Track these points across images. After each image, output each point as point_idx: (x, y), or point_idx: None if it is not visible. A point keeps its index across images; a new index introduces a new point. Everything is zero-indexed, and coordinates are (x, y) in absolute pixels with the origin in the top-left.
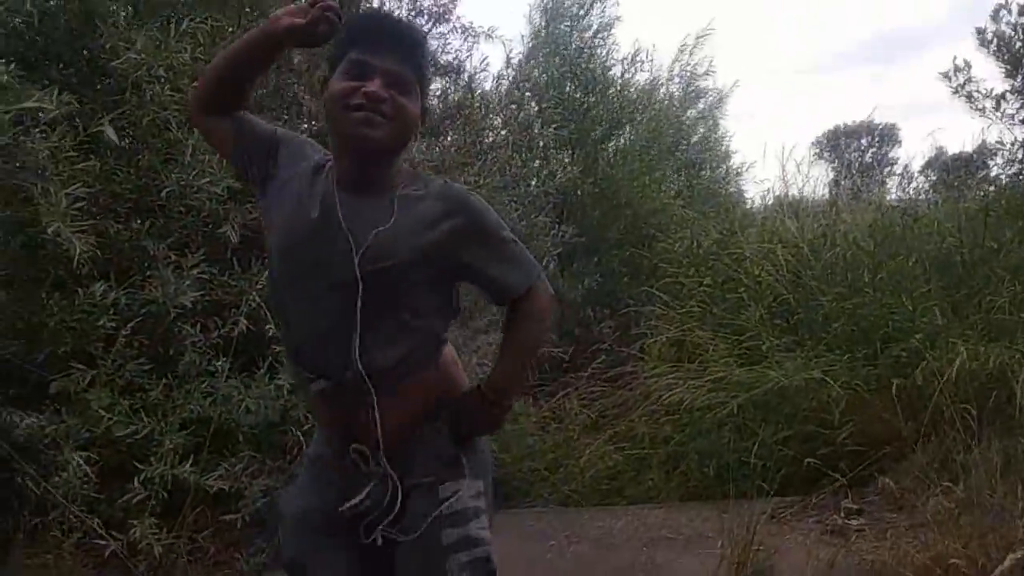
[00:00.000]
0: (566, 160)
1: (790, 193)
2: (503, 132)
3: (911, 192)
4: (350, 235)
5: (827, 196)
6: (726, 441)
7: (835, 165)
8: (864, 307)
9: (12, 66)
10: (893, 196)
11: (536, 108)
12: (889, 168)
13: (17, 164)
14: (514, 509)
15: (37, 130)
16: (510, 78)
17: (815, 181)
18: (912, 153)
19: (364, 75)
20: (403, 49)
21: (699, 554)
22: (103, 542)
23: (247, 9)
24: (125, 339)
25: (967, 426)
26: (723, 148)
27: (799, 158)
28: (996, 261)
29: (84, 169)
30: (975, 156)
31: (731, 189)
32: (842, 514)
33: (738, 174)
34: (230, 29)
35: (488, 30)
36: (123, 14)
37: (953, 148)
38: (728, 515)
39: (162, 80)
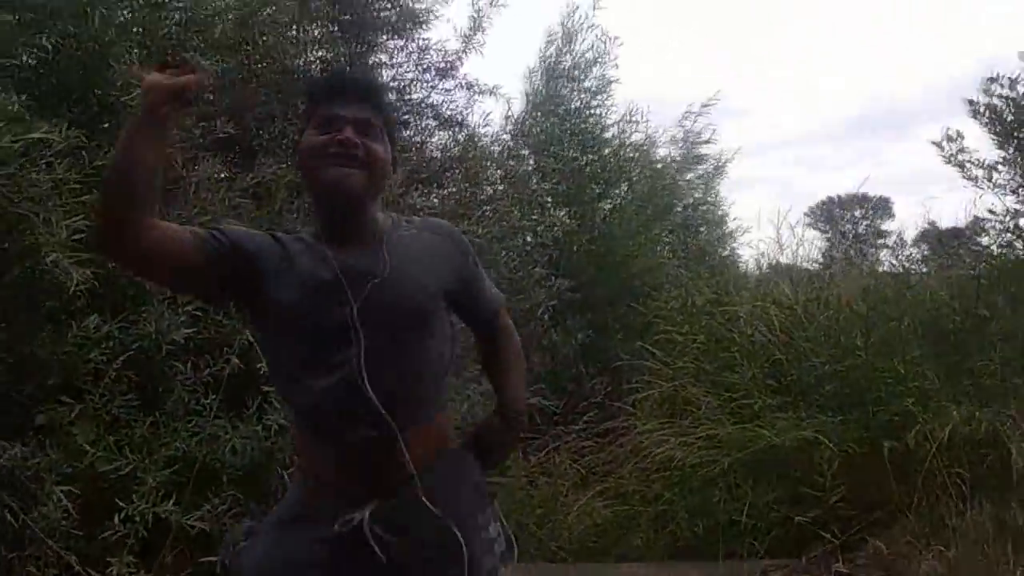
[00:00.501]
0: (563, 215)
1: (784, 259)
2: (501, 186)
3: (904, 262)
4: (352, 288)
5: (821, 263)
6: (717, 500)
7: (829, 235)
8: (856, 369)
9: (23, 98)
10: (886, 266)
11: (534, 164)
12: (883, 240)
13: (21, 194)
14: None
15: (43, 161)
16: (509, 133)
17: (809, 247)
18: (905, 224)
19: (334, 126)
20: (369, 99)
21: None
22: None
23: (254, 55)
24: (115, 373)
25: (959, 490)
26: (719, 212)
27: (793, 224)
28: (988, 327)
29: (86, 202)
30: (967, 229)
31: (725, 252)
32: None
33: (732, 237)
34: (240, 76)
35: (492, 88)
36: (135, 52)
37: (946, 222)
38: (718, 575)
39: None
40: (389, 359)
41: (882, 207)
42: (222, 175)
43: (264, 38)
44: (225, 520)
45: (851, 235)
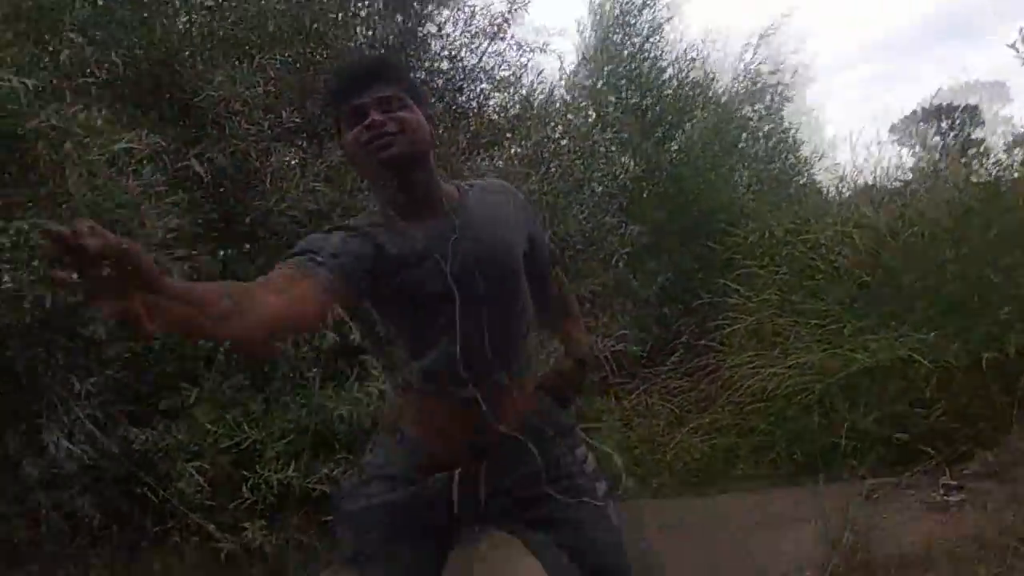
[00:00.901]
0: (628, 161)
1: (866, 179)
2: (564, 141)
3: (992, 168)
4: (443, 255)
5: (905, 180)
6: (815, 426)
7: (915, 151)
8: (948, 284)
9: (104, 112)
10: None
11: (594, 114)
12: (974, 150)
13: (114, 201)
14: None
15: (130, 168)
16: (565, 88)
17: (891, 165)
18: (996, 131)
19: (362, 114)
20: (381, 76)
21: (794, 536)
22: (220, 544)
23: (308, 44)
24: (223, 357)
25: None
26: (792, 139)
27: (876, 142)
28: None
29: (174, 202)
30: None
31: (802, 180)
32: (940, 490)
33: (809, 163)
34: (297, 64)
35: (542, 45)
36: (200, 56)
37: None
38: (822, 497)
39: (239, 114)
40: (492, 318)
41: (970, 115)
42: (294, 162)
43: (315, 25)
44: (341, 481)
45: (939, 148)
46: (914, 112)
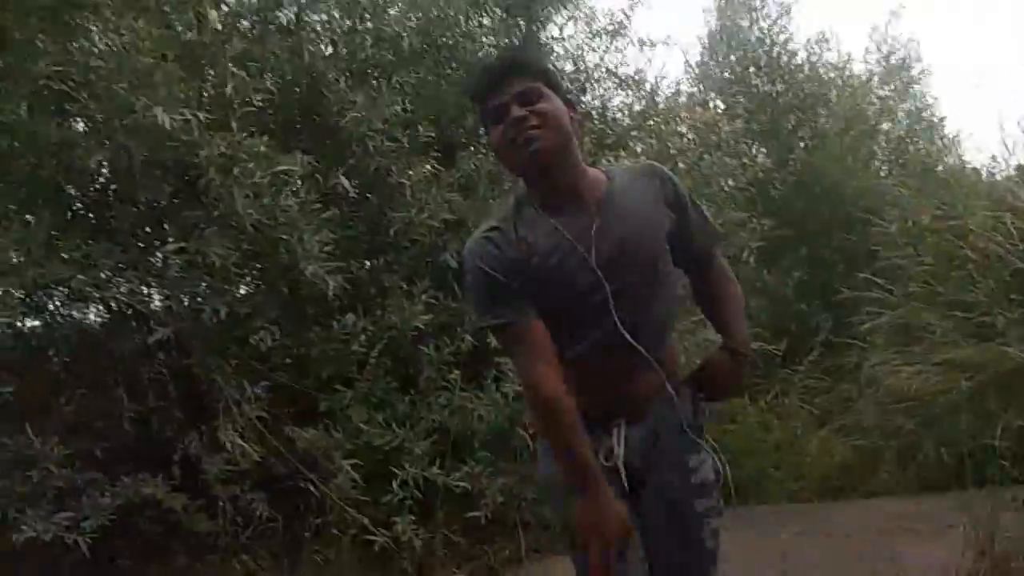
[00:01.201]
0: (755, 153)
1: (1020, 159)
2: (689, 136)
3: None
4: (588, 245)
5: None
6: (964, 427)
7: None
8: None
9: (265, 138)
10: None
11: (722, 106)
12: None
13: (276, 220)
14: (743, 506)
15: (288, 188)
16: (689, 82)
17: None
18: None
19: (503, 111)
20: (517, 70)
21: (941, 543)
22: (374, 538)
23: (439, 58)
24: (374, 361)
25: None
26: (934, 116)
27: None
28: None
29: (327, 218)
30: None
31: (950, 161)
32: None
33: (956, 144)
34: (429, 79)
35: (666, 39)
36: (343, 79)
37: None
38: (972, 502)
39: (380, 132)
40: (638, 307)
41: None
42: (429, 175)
43: (444, 38)
44: (482, 479)
45: None
46: None
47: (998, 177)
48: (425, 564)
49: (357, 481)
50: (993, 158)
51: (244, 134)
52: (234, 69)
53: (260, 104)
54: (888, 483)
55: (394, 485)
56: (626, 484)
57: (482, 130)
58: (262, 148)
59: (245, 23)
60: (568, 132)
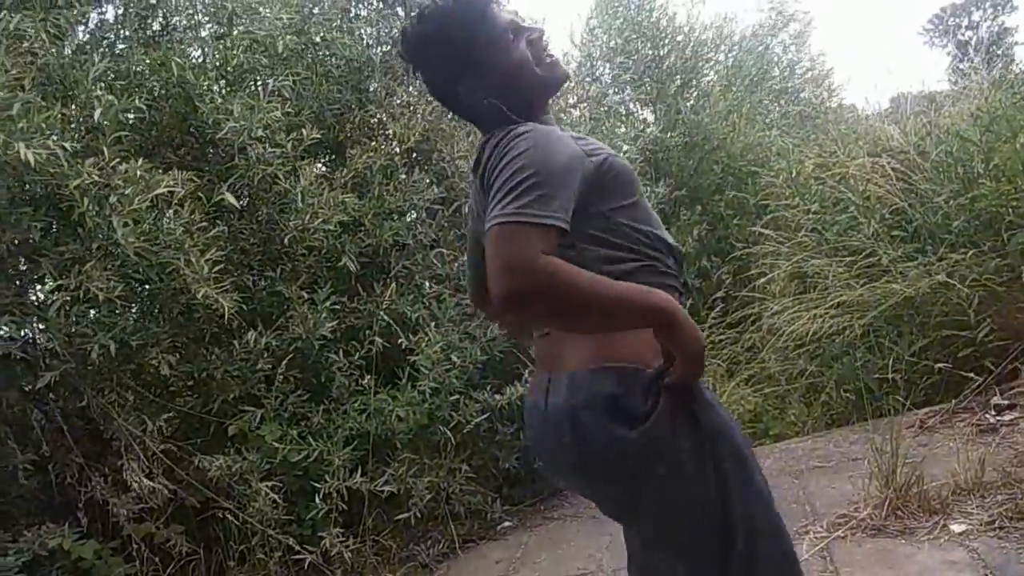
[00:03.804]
0: (649, 118)
1: (899, 90)
2: (576, 110)
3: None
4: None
5: (947, 85)
6: (862, 363)
7: (949, 50)
8: (981, 199)
9: (140, 161)
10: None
11: (610, 76)
12: (1012, 39)
13: (160, 244)
14: None
15: (170, 210)
16: (577, 55)
17: (927, 71)
18: None
19: (519, 29)
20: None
21: (850, 476)
22: (301, 556)
23: (318, 56)
24: (282, 376)
25: None
26: (821, 65)
27: (905, 49)
28: None
29: (215, 236)
30: None
31: (833, 105)
32: (992, 411)
33: (841, 88)
34: (311, 78)
35: (541, 19)
36: (217, 88)
37: None
38: (875, 434)
39: (262, 140)
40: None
41: (1000, 2)
42: (320, 177)
43: (321, 35)
44: (408, 479)
45: (972, 43)
46: (943, 10)
47: (871, 121)
48: (357, 573)
49: (278, 501)
50: (866, 99)
51: (117, 159)
52: (98, 92)
53: (132, 124)
54: (796, 425)
55: (317, 500)
56: None
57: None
58: (138, 172)
59: (109, 38)
60: None
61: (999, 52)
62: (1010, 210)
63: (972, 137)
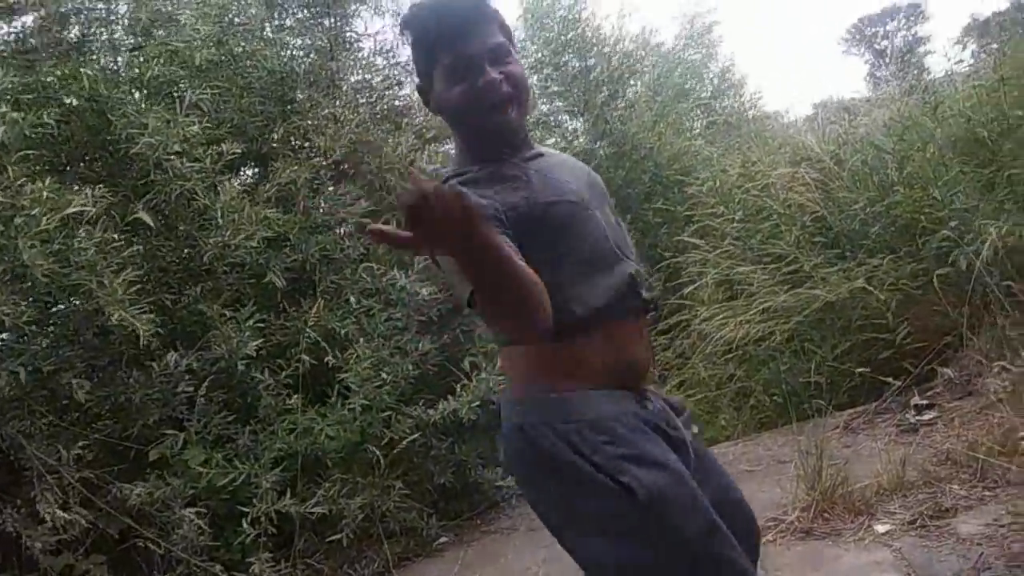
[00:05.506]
0: (578, 128)
1: (821, 98)
2: None
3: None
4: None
5: (865, 93)
6: (787, 367)
7: (867, 58)
8: (896, 205)
9: (48, 180)
10: (933, 75)
11: (538, 87)
12: (924, 48)
13: (71, 265)
14: None
15: (81, 230)
16: None
17: (846, 79)
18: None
19: (472, 70)
20: (485, 20)
21: (779, 480)
22: None
23: (239, 67)
24: (204, 398)
25: (1017, 302)
26: (738, 74)
27: (825, 59)
28: (1019, 132)
29: (130, 255)
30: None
31: (754, 114)
32: (912, 411)
33: (759, 96)
34: (232, 90)
35: None
36: (131, 99)
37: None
38: (803, 437)
39: (180, 154)
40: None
41: (913, 13)
42: (242, 192)
43: (241, 46)
44: (339, 500)
45: (888, 51)
46: (860, 20)
47: (790, 130)
48: None
49: (203, 527)
50: (787, 108)
51: (24, 178)
52: (3, 108)
53: (42, 139)
54: (727, 429)
55: (245, 524)
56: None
57: (415, 74)
58: (45, 193)
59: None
60: (529, 98)
61: (912, 61)
62: (924, 216)
63: (886, 147)
